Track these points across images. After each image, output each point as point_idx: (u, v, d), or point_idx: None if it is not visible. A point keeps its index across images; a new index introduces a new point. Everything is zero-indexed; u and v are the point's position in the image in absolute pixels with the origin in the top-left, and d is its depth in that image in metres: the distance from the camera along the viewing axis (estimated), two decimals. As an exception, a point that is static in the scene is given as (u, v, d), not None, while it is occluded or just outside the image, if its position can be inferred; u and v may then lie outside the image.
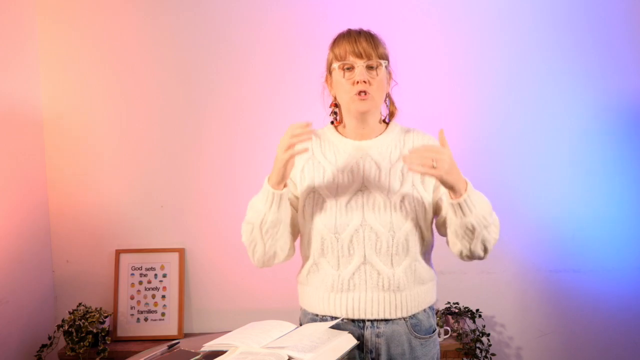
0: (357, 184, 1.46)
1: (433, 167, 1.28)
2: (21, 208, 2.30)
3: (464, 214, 1.35)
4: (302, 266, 1.54)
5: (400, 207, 1.43)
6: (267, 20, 2.45)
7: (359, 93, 1.42)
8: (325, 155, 1.51)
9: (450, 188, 1.34)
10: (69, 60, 2.45)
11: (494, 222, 1.44)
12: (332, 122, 1.59)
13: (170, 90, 2.47)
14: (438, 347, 1.54)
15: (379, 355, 1.45)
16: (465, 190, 1.34)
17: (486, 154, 2.47)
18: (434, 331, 1.52)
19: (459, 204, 1.34)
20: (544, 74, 2.46)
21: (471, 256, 1.45)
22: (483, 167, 2.46)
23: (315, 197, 1.47)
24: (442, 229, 1.49)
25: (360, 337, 1.44)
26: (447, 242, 1.47)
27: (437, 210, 1.49)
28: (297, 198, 1.51)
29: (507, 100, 2.46)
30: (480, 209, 1.36)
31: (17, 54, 2.32)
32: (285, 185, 1.43)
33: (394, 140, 1.51)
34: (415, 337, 1.46)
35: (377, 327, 1.44)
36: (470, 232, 1.38)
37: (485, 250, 1.43)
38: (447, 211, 1.41)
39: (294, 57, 2.44)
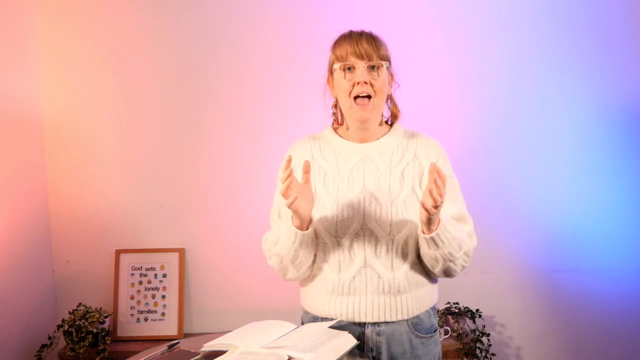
0: (357, 188, 1.45)
1: (437, 206, 1.28)
2: (21, 208, 2.30)
3: (436, 246, 1.37)
4: None
5: (400, 211, 1.43)
6: (267, 20, 2.45)
7: (356, 98, 1.42)
8: (326, 159, 1.51)
9: (430, 223, 1.34)
10: (69, 60, 2.45)
11: (463, 256, 1.45)
12: (332, 123, 1.59)
13: (170, 90, 2.47)
14: (439, 346, 1.54)
15: (379, 353, 1.45)
16: (437, 226, 1.35)
17: (486, 154, 2.47)
18: (435, 330, 1.52)
19: (432, 238, 1.36)
20: (544, 74, 2.46)
21: (434, 274, 1.49)
22: (483, 167, 2.46)
23: (317, 201, 1.46)
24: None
25: (360, 336, 1.44)
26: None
27: None
28: None
29: (507, 100, 2.46)
30: (448, 245, 1.37)
31: (17, 54, 2.32)
32: (310, 223, 1.41)
33: (396, 143, 1.51)
34: (417, 336, 1.46)
35: (378, 326, 1.44)
36: (435, 261, 1.41)
37: (448, 276, 1.47)
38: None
39: (294, 57, 2.44)
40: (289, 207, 1.33)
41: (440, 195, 1.26)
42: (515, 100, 2.46)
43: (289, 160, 1.30)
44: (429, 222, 1.33)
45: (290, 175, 1.29)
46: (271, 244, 1.47)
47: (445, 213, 1.43)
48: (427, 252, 1.40)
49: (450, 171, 1.52)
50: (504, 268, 2.50)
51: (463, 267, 1.47)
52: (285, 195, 1.31)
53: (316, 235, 1.45)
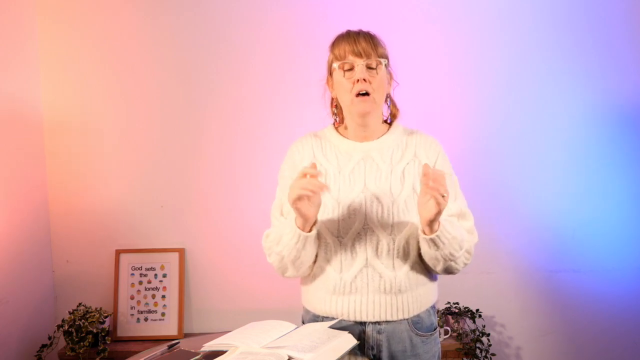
0: (359, 187, 1.46)
1: (442, 197, 1.28)
2: (21, 208, 2.30)
3: (437, 247, 1.38)
4: None
5: (401, 211, 1.43)
6: (267, 20, 2.45)
7: (358, 95, 1.42)
8: (327, 157, 1.51)
9: (432, 222, 1.34)
10: (69, 60, 2.45)
11: (465, 254, 1.46)
12: (333, 123, 1.59)
13: (170, 90, 2.47)
14: (439, 345, 1.55)
15: (380, 352, 1.45)
16: (438, 227, 1.36)
17: (486, 154, 2.47)
18: (435, 329, 1.52)
19: (432, 240, 1.37)
20: (544, 74, 2.46)
21: (435, 272, 1.50)
22: (483, 167, 2.46)
23: None
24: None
25: (361, 334, 1.44)
26: None
27: None
28: None
29: (507, 100, 2.46)
30: (449, 245, 1.38)
31: (17, 54, 2.32)
32: (314, 225, 1.40)
33: (396, 141, 1.51)
34: (417, 334, 1.47)
35: (379, 325, 1.45)
36: (436, 260, 1.41)
37: (450, 273, 1.48)
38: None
39: (294, 57, 2.44)
40: (292, 204, 1.31)
41: (443, 196, 1.27)
42: (515, 100, 2.46)
43: (314, 167, 1.32)
44: (431, 223, 1.34)
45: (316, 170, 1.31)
46: (273, 242, 1.47)
47: (446, 211, 1.43)
48: (427, 252, 1.41)
49: (449, 169, 1.53)
50: (504, 268, 2.50)
51: (465, 264, 1.47)
52: (300, 197, 1.30)
53: (318, 234, 1.45)
